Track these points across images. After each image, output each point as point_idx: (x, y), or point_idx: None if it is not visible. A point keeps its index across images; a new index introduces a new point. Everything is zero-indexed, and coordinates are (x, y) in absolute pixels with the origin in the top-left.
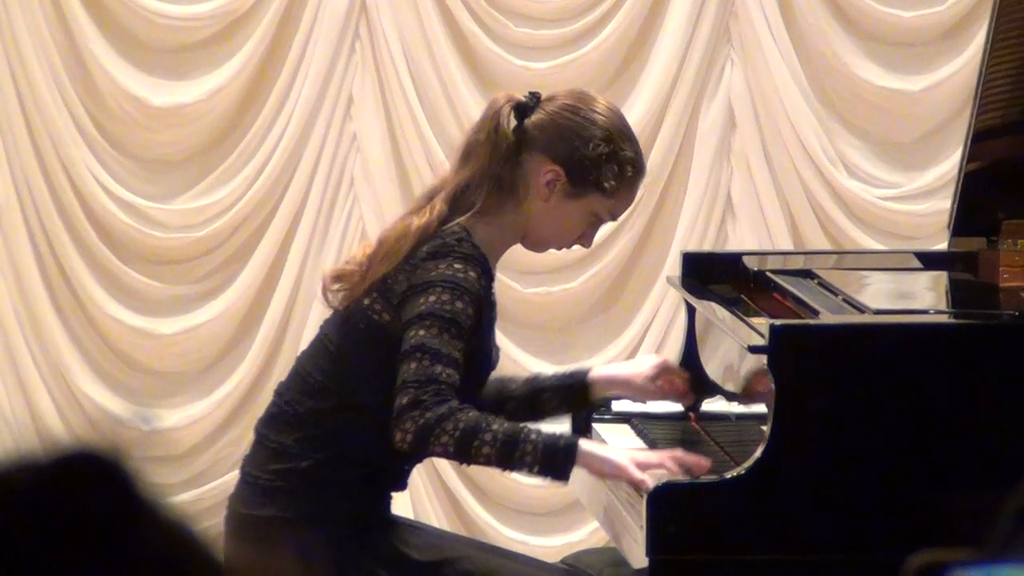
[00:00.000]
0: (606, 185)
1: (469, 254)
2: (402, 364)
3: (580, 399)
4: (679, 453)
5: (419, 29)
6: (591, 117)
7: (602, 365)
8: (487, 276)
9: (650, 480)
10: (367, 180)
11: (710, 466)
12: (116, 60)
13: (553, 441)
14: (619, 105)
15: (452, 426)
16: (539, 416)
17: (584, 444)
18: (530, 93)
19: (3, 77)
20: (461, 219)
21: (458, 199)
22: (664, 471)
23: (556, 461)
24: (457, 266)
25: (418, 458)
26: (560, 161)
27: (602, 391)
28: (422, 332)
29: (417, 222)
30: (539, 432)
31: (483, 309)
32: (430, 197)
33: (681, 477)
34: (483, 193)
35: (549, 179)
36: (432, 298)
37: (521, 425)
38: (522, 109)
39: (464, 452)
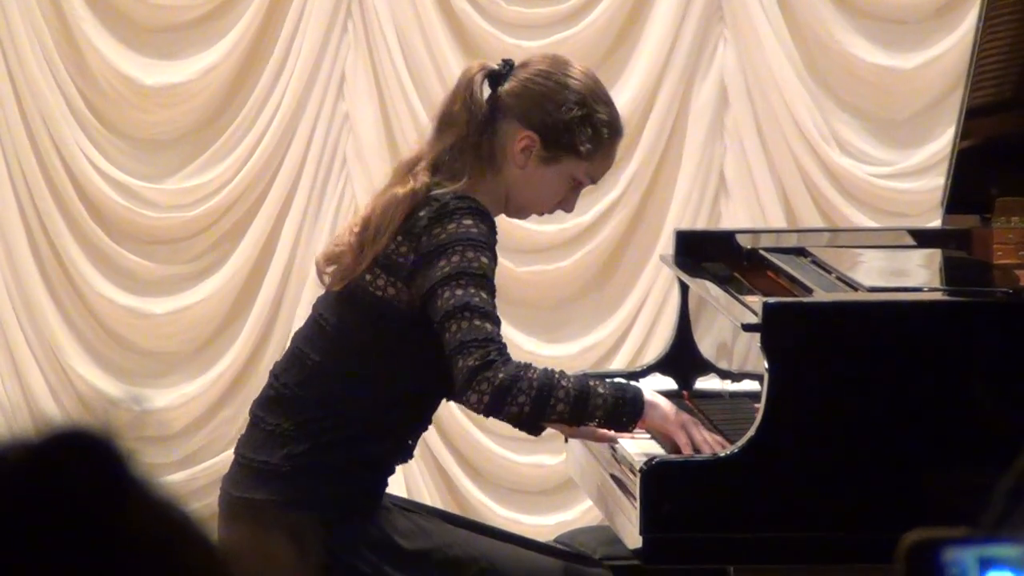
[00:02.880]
0: (581, 148)
1: (475, 208)
2: (449, 326)
3: None
4: (699, 429)
5: (411, 8)
6: (564, 81)
7: None
8: (494, 232)
9: (688, 448)
10: (359, 159)
11: (710, 451)
12: (108, 40)
13: (621, 394)
14: (612, 83)
15: (527, 384)
16: None
17: (647, 395)
18: (503, 61)
19: None
20: (454, 188)
21: (439, 169)
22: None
23: (624, 415)
24: (467, 222)
25: (492, 415)
26: (534, 127)
27: None
28: (459, 292)
29: (402, 191)
30: (605, 383)
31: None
32: (410, 167)
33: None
34: (464, 162)
35: (524, 145)
36: (456, 258)
37: (583, 375)
38: (495, 77)
39: (540, 411)
